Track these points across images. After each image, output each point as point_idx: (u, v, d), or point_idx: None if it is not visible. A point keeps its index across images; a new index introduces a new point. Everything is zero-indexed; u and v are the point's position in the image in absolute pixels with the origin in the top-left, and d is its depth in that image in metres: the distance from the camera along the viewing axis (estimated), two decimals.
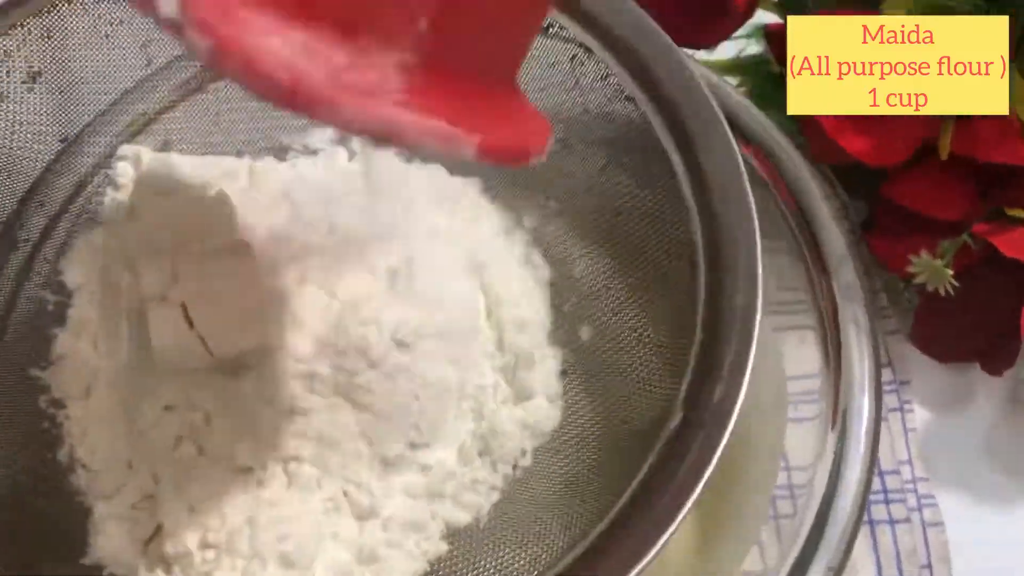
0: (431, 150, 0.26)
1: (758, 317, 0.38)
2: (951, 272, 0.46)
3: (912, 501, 0.47)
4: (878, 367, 0.43)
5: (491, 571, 0.39)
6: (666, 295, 0.43)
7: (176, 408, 0.42)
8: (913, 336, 0.52)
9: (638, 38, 0.44)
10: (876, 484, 0.46)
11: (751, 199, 0.41)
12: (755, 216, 0.40)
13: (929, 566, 0.46)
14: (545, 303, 0.48)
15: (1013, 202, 0.48)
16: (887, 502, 0.47)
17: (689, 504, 0.34)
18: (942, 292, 0.47)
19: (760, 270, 0.39)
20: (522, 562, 0.39)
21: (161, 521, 0.39)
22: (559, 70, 0.48)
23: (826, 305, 0.45)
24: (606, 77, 0.46)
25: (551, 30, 0.47)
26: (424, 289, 0.44)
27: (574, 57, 0.47)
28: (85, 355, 0.45)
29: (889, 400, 0.49)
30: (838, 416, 0.42)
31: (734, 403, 0.36)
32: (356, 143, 0.53)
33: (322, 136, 0.53)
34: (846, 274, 0.46)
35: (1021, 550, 0.48)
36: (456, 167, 0.52)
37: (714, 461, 0.35)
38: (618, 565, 0.33)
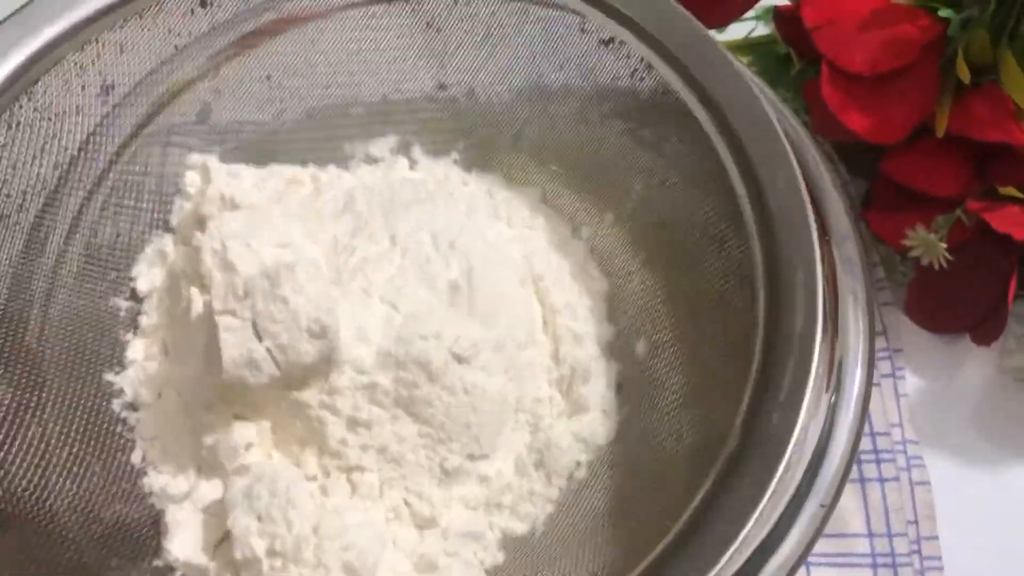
0: None
1: (818, 343, 0.38)
2: (945, 246, 0.48)
3: (901, 461, 0.49)
4: (872, 338, 0.45)
5: None
6: (723, 315, 0.43)
7: (244, 417, 0.44)
8: (907, 307, 0.54)
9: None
10: (868, 445, 0.49)
11: (812, 222, 0.41)
12: (816, 239, 0.40)
13: (915, 522, 0.48)
14: (602, 316, 0.49)
15: (1006, 180, 0.49)
16: (878, 462, 0.49)
17: (746, 531, 0.35)
18: (936, 266, 0.49)
19: (821, 295, 0.39)
20: (579, 573, 0.40)
21: (229, 527, 0.41)
22: (622, 79, 0.48)
23: (827, 278, 0.46)
24: (666, 92, 0.46)
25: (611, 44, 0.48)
26: (483, 303, 0.45)
27: (634, 72, 0.48)
28: (156, 361, 0.47)
29: (882, 367, 0.52)
30: (831, 380, 0.43)
31: (791, 430, 0.37)
32: (417, 152, 0.54)
33: (383, 145, 0.54)
34: (847, 249, 0.47)
35: (1003, 510, 0.50)
36: (515, 176, 0.53)
37: (771, 488, 0.35)
38: None
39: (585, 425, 0.46)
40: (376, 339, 0.43)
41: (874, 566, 0.47)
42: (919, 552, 0.48)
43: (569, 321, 0.48)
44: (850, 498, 0.48)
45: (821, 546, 0.46)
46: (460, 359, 0.43)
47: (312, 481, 0.43)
